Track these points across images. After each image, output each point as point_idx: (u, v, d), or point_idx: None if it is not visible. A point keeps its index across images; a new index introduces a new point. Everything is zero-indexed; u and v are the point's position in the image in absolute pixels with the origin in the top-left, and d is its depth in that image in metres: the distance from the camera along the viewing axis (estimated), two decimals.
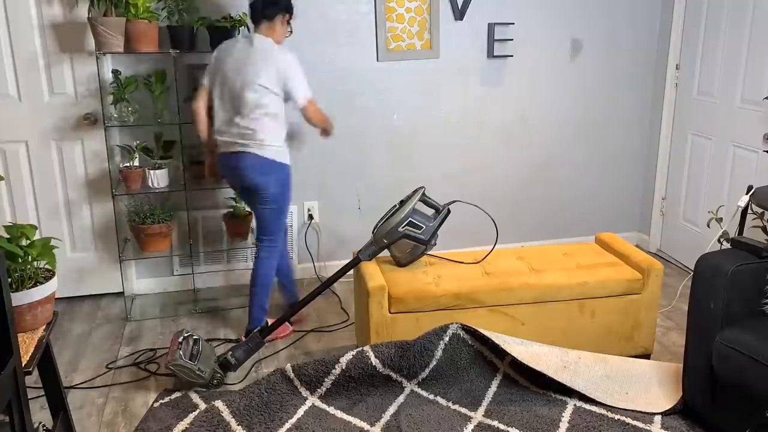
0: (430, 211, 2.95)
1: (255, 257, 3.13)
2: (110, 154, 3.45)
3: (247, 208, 3.54)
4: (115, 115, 3.35)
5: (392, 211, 2.90)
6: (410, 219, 2.82)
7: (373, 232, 2.88)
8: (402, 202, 2.91)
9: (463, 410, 2.52)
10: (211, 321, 3.43)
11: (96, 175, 3.54)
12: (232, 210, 3.60)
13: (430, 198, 2.93)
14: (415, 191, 2.92)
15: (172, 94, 3.42)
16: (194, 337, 2.83)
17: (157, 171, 3.36)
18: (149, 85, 3.34)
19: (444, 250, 3.71)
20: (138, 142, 3.45)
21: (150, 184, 3.37)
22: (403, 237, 2.83)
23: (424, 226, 2.84)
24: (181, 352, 2.71)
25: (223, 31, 3.29)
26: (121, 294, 3.69)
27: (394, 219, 2.82)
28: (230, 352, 2.80)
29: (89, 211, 3.58)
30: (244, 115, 2.91)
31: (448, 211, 2.95)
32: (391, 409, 2.51)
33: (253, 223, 3.44)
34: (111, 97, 3.32)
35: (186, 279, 3.79)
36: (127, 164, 3.42)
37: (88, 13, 3.20)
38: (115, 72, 3.31)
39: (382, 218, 2.90)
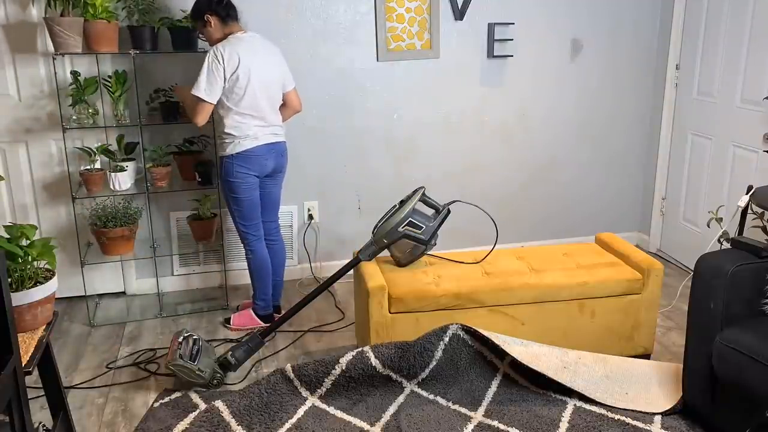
0: (430, 211, 2.95)
1: (273, 240, 3.33)
2: (68, 157, 3.36)
3: (213, 211, 3.51)
4: (74, 117, 3.27)
5: (392, 211, 2.89)
6: (410, 219, 2.82)
7: (373, 233, 2.88)
8: (402, 202, 2.91)
9: (463, 410, 2.52)
10: (211, 321, 3.43)
11: (55, 178, 3.46)
12: (196, 212, 3.54)
13: (430, 198, 2.93)
14: (415, 191, 2.92)
15: (133, 96, 3.37)
16: (194, 337, 2.83)
17: (119, 173, 3.28)
18: (109, 86, 3.26)
19: (444, 250, 3.71)
20: (99, 144, 3.36)
21: (112, 187, 3.30)
22: (403, 237, 2.83)
23: (424, 226, 2.84)
24: (181, 352, 2.70)
25: (184, 31, 3.24)
26: (122, 294, 3.69)
27: (394, 219, 2.82)
28: (230, 352, 2.80)
29: (48, 214, 3.49)
30: (275, 107, 3.13)
31: (448, 211, 2.95)
32: (391, 409, 2.51)
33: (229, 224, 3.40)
34: (70, 99, 3.23)
35: (186, 279, 3.80)
36: (88, 167, 3.35)
37: (44, 13, 3.14)
38: (74, 73, 3.22)
39: (382, 218, 2.90)
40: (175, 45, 3.29)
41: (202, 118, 2.97)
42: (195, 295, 3.75)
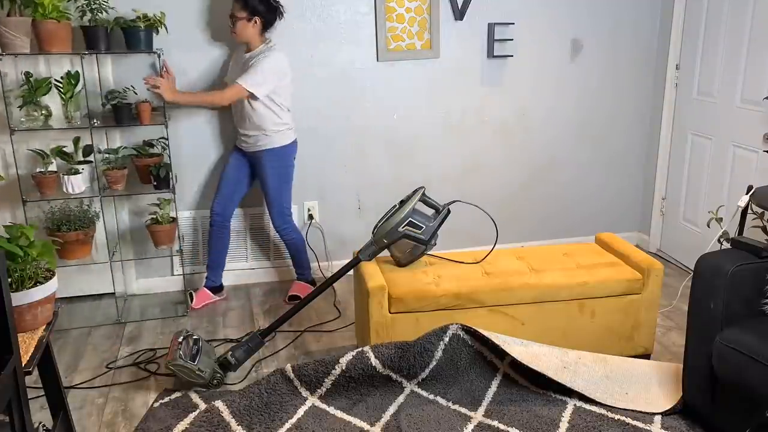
0: (430, 211, 2.95)
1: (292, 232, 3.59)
2: (18, 160, 3.26)
3: (172, 214, 3.50)
4: (23, 119, 3.18)
5: (392, 212, 2.89)
6: (410, 219, 2.82)
7: (373, 233, 2.88)
8: (402, 202, 2.91)
9: (463, 410, 2.52)
10: (211, 321, 3.43)
11: (4, 181, 3.36)
12: (154, 216, 3.47)
13: (430, 198, 2.93)
14: (415, 191, 2.92)
15: (94, 97, 3.33)
16: (194, 337, 2.83)
17: (73, 176, 3.19)
18: (60, 88, 3.17)
19: (444, 250, 3.71)
20: (54, 146, 3.27)
21: (65, 190, 3.20)
22: (403, 237, 2.83)
23: (424, 226, 2.84)
24: (181, 352, 2.70)
25: (137, 31, 3.17)
26: (113, 294, 3.69)
27: (394, 219, 2.82)
28: (230, 352, 2.80)
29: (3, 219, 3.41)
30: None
31: (448, 211, 2.94)
32: (391, 409, 2.51)
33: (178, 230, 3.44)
34: (20, 100, 3.15)
35: (187, 279, 3.79)
36: (41, 170, 3.24)
37: None
38: (27, 74, 3.15)
39: (382, 218, 2.90)
40: (128, 45, 3.21)
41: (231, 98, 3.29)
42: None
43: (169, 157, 3.38)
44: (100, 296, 3.69)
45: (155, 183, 3.35)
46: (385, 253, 2.93)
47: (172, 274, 3.79)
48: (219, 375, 2.77)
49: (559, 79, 4.06)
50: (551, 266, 2.94)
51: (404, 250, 2.89)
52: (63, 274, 3.51)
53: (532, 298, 2.80)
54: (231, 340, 3.20)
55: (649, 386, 2.62)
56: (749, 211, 3.10)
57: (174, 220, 3.50)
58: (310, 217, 3.91)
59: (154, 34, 3.27)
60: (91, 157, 3.33)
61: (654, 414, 2.49)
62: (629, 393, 2.59)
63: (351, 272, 2.95)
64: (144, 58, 3.42)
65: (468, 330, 2.68)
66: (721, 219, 3.40)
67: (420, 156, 3.98)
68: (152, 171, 3.33)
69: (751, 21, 3.42)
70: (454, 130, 3.99)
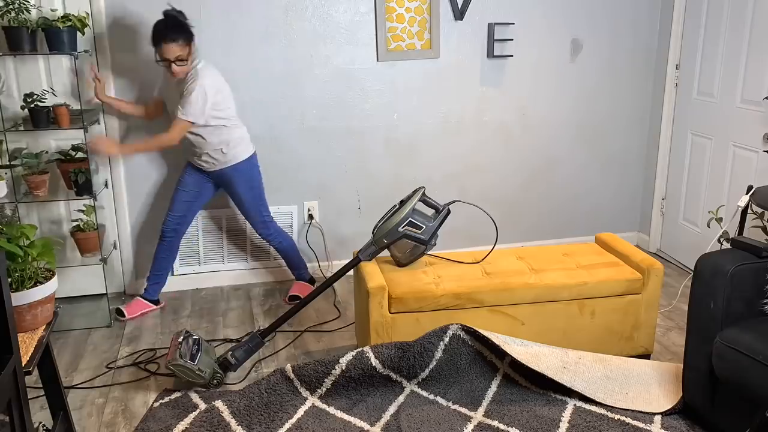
0: (430, 211, 2.95)
1: (278, 236, 3.56)
2: None
3: (99, 221, 3.44)
4: None
5: (392, 211, 2.89)
6: (410, 219, 2.82)
7: (373, 233, 2.88)
8: (402, 202, 2.91)
9: (463, 410, 2.52)
10: (211, 321, 3.43)
11: None
12: (79, 224, 3.36)
13: (430, 198, 2.93)
14: (415, 191, 2.92)
15: (6, 99, 3.26)
16: (194, 336, 2.83)
17: None
18: None
19: (444, 250, 3.73)
20: None
21: None
22: (403, 237, 2.83)
23: (424, 226, 2.84)
24: (181, 352, 2.70)
25: (57, 31, 3.06)
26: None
27: (394, 219, 2.82)
28: (230, 352, 2.80)
29: None
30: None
31: (448, 211, 2.94)
32: (391, 409, 2.51)
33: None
34: None
35: (187, 279, 3.80)
36: None
37: None
38: None
39: (382, 218, 2.90)
40: (50, 47, 3.09)
41: (175, 137, 3.18)
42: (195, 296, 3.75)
43: (96, 162, 3.34)
44: (100, 296, 3.69)
45: (76, 189, 3.24)
46: (386, 253, 2.93)
47: (173, 274, 3.79)
48: (219, 375, 2.77)
49: (559, 79, 4.07)
50: (551, 266, 2.94)
51: (404, 250, 2.90)
52: (63, 275, 3.53)
53: (532, 298, 2.80)
54: (231, 340, 3.20)
55: (649, 386, 2.62)
56: (749, 211, 3.10)
57: (97, 228, 3.37)
58: (310, 217, 3.91)
59: (78, 36, 3.18)
60: (16, 161, 3.23)
61: (654, 414, 2.49)
62: (629, 393, 2.59)
63: (351, 272, 2.95)
64: (60, 59, 3.33)
65: (468, 330, 2.68)
66: (721, 219, 3.41)
67: (420, 156, 3.98)
68: (71, 176, 3.23)
69: (751, 21, 3.42)
70: (454, 130, 3.99)
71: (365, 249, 2.88)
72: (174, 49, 3.03)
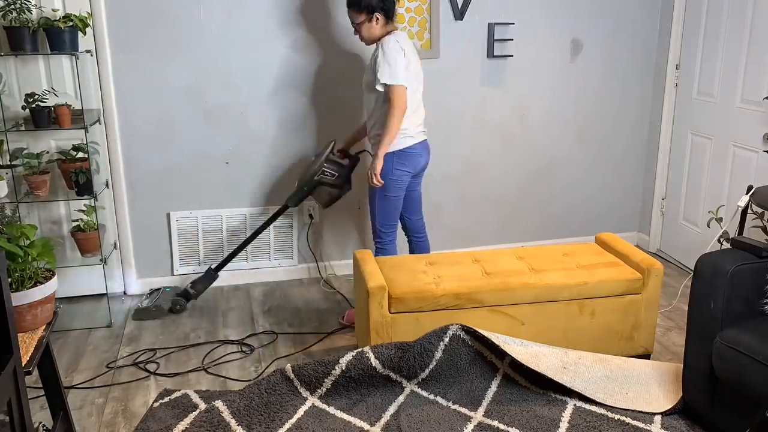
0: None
1: (419, 237, 3.48)
2: None
3: (99, 221, 3.43)
4: None
5: (310, 165, 3.32)
6: (323, 168, 3.27)
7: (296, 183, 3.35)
8: (317, 156, 3.33)
9: (463, 410, 2.52)
10: (211, 321, 3.43)
11: None
12: (79, 224, 3.36)
13: (336, 152, 3.43)
14: (327, 144, 3.35)
15: (8, 99, 3.25)
16: (166, 288, 3.56)
17: None
18: None
19: (444, 250, 3.73)
20: None
21: None
22: (320, 184, 3.30)
23: (337, 173, 3.29)
24: (140, 302, 3.40)
25: (59, 31, 3.05)
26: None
27: (310, 170, 3.28)
28: (189, 284, 3.48)
29: None
30: (421, 106, 3.26)
31: (357, 159, 3.46)
32: (391, 409, 2.51)
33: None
34: None
35: (187, 279, 3.80)
36: None
37: None
38: None
39: (304, 171, 3.35)
40: (52, 47, 3.09)
41: (404, 102, 3.02)
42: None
43: (96, 162, 3.35)
44: (100, 296, 3.69)
45: (76, 189, 3.24)
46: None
47: (173, 274, 3.79)
48: (181, 301, 3.44)
49: (559, 79, 4.07)
50: (551, 266, 2.94)
51: (323, 195, 3.36)
52: (63, 275, 3.53)
53: (532, 298, 2.80)
54: (231, 341, 3.20)
55: (649, 386, 2.62)
56: (749, 211, 3.10)
57: (97, 228, 3.37)
58: (311, 217, 3.91)
59: (79, 36, 3.18)
60: (17, 161, 3.24)
61: (654, 414, 2.49)
62: (629, 393, 2.59)
63: (352, 272, 2.96)
64: (65, 59, 3.32)
65: (468, 330, 2.68)
66: (721, 219, 3.41)
67: None
68: (71, 176, 3.23)
69: (751, 21, 3.42)
70: (454, 130, 3.99)
71: (292, 197, 3.39)
72: (351, 14, 3.13)
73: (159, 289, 3.63)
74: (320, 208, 3.73)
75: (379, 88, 3.02)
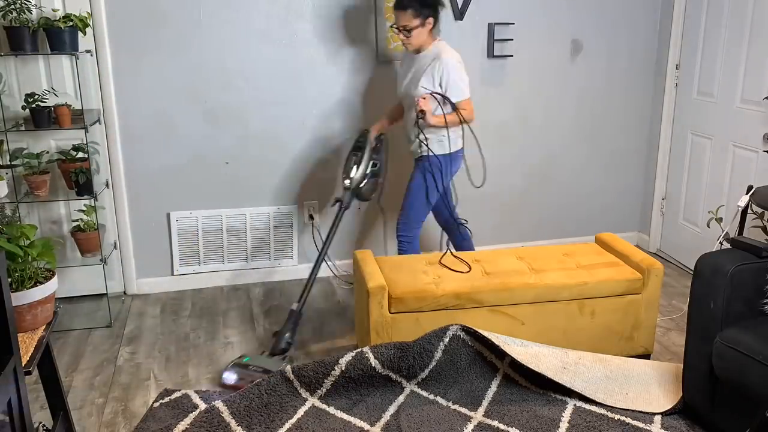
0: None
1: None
2: None
3: (100, 221, 3.43)
4: None
5: (354, 161, 3.24)
6: (372, 161, 3.25)
7: (346, 184, 3.22)
8: (358, 149, 3.27)
9: (463, 410, 2.52)
10: (211, 321, 3.43)
11: None
12: (79, 224, 3.35)
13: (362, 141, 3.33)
14: (362, 133, 3.33)
15: (8, 99, 3.25)
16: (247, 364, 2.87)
17: None
18: None
19: (443, 250, 3.70)
20: None
21: None
22: (372, 177, 3.26)
23: (380, 162, 3.30)
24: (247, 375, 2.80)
25: (59, 31, 3.04)
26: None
27: (362, 167, 3.21)
28: (281, 338, 2.94)
29: None
30: None
31: (383, 141, 3.37)
32: (391, 409, 2.51)
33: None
34: None
35: (187, 279, 3.80)
36: None
37: None
38: None
39: (345, 168, 3.26)
40: (52, 46, 3.09)
41: (473, 112, 3.17)
42: (194, 296, 3.75)
43: (96, 162, 3.34)
44: (100, 296, 3.69)
45: (76, 189, 3.24)
46: (385, 253, 2.93)
47: (173, 274, 3.79)
48: (286, 358, 2.93)
49: (559, 80, 4.06)
50: (551, 266, 2.94)
51: (369, 187, 3.29)
52: (63, 275, 3.53)
53: (532, 298, 2.80)
54: (228, 342, 3.20)
55: (649, 386, 2.62)
56: (749, 211, 3.10)
57: (97, 228, 3.36)
58: (311, 217, 3.91)
59: (80, 36, 3.18)
60: (17, 161, 3.23)
61: (654, 414, 2.49)
62: (629, 393, 2.59)
63: (352, 272, 2.95)
64: (64, 59, 3.31)
65: (468, 330, 2.67)
66: (721, 219, 3.41)
67: None
68: (71, 176, 3.23)
69: (751, 21, 3.42)
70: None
71: (345, 197, 3.21)
72: (404, 17, 3.03)
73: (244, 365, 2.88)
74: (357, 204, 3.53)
75: (451, 106, 3.09)
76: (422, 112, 3.01)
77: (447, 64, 3.04)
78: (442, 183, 3.21)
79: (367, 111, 3.83)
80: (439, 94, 3.07)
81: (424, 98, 3.04)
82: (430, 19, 3.06)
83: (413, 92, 3.13)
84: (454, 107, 3.10)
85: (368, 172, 3.22)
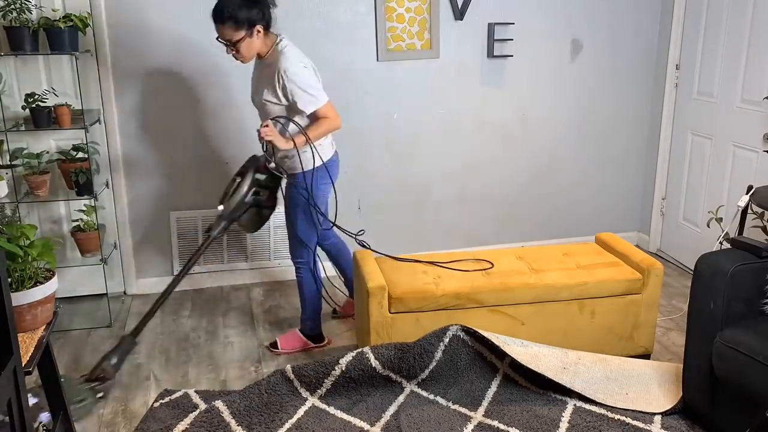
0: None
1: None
2: None
3: (100, 221, 3.40)
4: None
5: (234, 186, 2.84)
6: (254, 188, 2.83)
7: (219, 209, 2.85)
8: (240, 175, 2.86)
9: (463, 410, 2.52)
10: (211, 321, 3.43)
11: None
12: (79, 224, 3.36)
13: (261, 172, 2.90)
14: (250, 159, 2.90)
15: (8, 99, 3.25)
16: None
17: None
18: None
19: (443, 250, 3.72)
20: None
21: None
22: (252, 206, 2.85)
23: (269, 192, 2.88)
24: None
25: (58, 31, 3.04)
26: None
27: (240, 191, 2.80)
28: (105, 361, 2.75)
29: None
30: None
31: (282, 171, 2.89)
32: (391, 409, 2.51)
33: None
34: None
35: (187, 279, 3.79)
36: None
37: None
38: None
39: (225, 193, 2.86)
40: (52, 46, 3.08)
41: (337, 117, 2.84)
42: (194, 296, 3.75)
43: (96, 162, 3.34)
44: (100, 296, 3.69)
45: (76, 189, 3.24)
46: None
47: (173, 274, 3.79)
48: (88, 394, 2.72)
49: (559, 80, 4.06)
50: (551, 266, 2.94)
51: (251, 218, 2.90)
52: (63, 275, 3.52)
53: (532, 298, 2.80)
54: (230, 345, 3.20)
55: (649, 386, 2.62)
56: (749, 211, 3.10)
57: (97, 228, 3.37)
58: None
59: (80, 36, 3.18)
60: (17, 161, 3.23)
61: (654, 414, 2.49)
62: (629, 393, 2.58)
63: (353, 272, 2.95)
64: (64, 59, 3.31)
65: (468, 331, 2.68)
66: (721, 219, 3.41)
67: (420, 156, 3.98)
68: (71, 176, 3.23)
69: (751, 21, 3.42)
70: (454, 130, 3.99)
71: (216, 225, 2.84)
72: (226, 32, 2.68)
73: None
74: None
75: (305, 117, 2.80)
76: (270, 143, 2.73)
77: (287, 73, 2.69)
78: (313, 198, 2.90)
79: (367, 111, 3.83)
80: (284, 117, 2.77)
81: (266, 125, 2.70)
82: (258, 26, 2.69)
83: (258, 104, 2.87)
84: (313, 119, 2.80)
85: (248, 200, 2.82)
